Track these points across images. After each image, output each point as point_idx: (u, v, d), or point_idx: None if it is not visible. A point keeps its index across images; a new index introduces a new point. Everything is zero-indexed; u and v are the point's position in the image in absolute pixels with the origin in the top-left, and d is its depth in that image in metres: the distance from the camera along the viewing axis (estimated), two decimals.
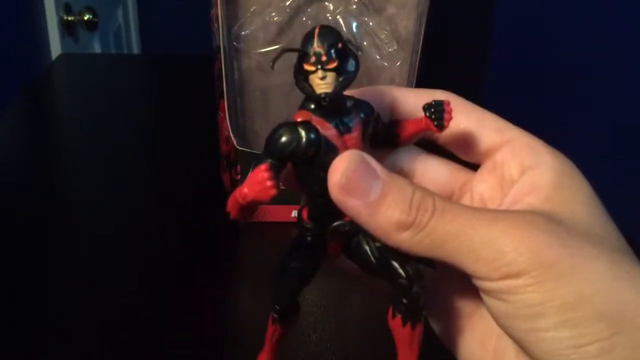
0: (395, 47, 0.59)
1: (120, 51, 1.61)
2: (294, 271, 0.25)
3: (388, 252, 0.24)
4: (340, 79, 0.22)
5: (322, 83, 0.22)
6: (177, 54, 1.37)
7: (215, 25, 0.57)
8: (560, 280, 0.21)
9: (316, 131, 0.23)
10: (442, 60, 1.07)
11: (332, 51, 0.22)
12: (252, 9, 0.57)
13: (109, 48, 1.50)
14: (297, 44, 0.23)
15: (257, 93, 0.60)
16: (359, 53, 0.23)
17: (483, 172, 0.27)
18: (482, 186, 0.27)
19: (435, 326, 0.29)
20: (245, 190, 0.22)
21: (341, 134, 0.23)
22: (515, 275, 0.21)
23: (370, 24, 0.58)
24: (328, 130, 0.23)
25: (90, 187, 0.68)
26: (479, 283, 0.22)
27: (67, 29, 1.16)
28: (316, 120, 0.23)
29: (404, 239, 0.22)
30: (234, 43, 0.58)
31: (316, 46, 0.22)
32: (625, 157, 0.92)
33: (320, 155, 0.23)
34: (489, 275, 0.22)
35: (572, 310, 0.20)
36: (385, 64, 0.60)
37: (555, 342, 0.21)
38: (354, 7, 0.58)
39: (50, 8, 1.07)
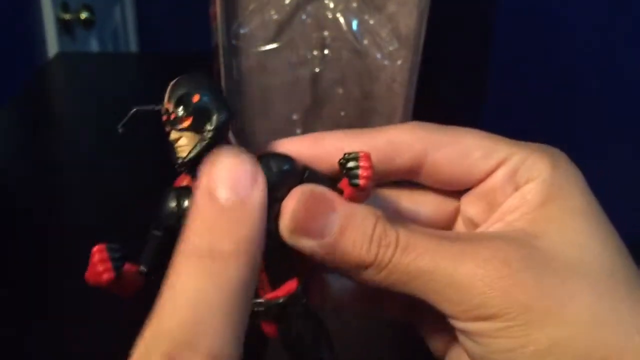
0: (396, 46, 0.58)
1: (117, 50, 1.60)
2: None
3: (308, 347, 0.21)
4: (200, 139, 0.18)
5: (177, 146, 0.19)
6: (175, 52, 1.37)
7: (214, 23, 0.56)
8: (534, 324, 0.19)
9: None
10: (443, 59, 1.06)
11: (183, 107, 0.18)
12: (251, 7, 0.56)
13: (107, 46, 1.49)
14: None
15: (256, 92, 0.60)
16: (234, 110, 0.19)
17: (470, 196, 0.24)
18: (472, 210, 0.24)
19: (429, 344, 0.27)
20: (86, 273, 0.20)
21: None
22: (485, 318, 0.19)
23: (371, 22, 0.58)
24: None
25: (88, 185, 0.68)
26: (449, 321, 0.21)
27: (65, 27, 1.15)
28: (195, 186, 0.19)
29: (366, 277, 0.21)
30: (233, 41, 0.57)
31: (166, 102, 0.18)
32: (627, 158, 0.92)
33: None
34: (457, 317, 0.20)
35: (546, 357, 0.19)
36: (386, 62, 0.59)
37: None
38: (355, 4, 0.57)
39: (48, 6, 1.07)
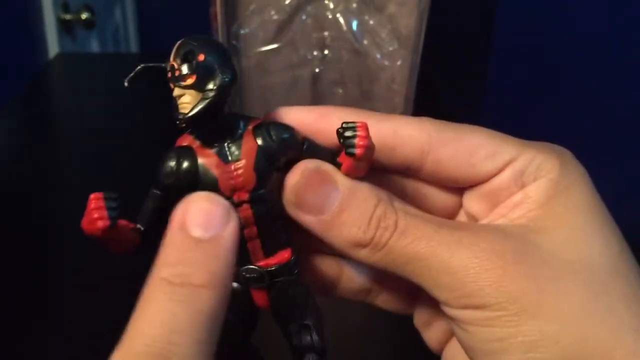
0: (396, 46, 0.58)
1: (118, 50, 1.60)
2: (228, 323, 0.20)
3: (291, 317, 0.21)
4: (202, 97, 0.19)
5: (179, 103, 0.19)
6: None
7: (214, 23, 0.56)
8: (524, 315, 0.19)
9: (193, 158, 0.20)
10: (443, 59, 1.07)
11: (188, 65, 0.19)
12: (251, 8, 0.56)
13: (107, 47, 1.49)
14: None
15: (256, 92, 0.60)
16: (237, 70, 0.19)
17: (473, 194, 0.24)
18: (474, 207, 0.24)
19: (425, 339, 0.27)
20: (82, 221, 0.20)
21: (225, 162, 0.20)
22: (476, 307, 0.19)
23: (371, 22, 0.58)
24: (208, 157, 0.20)
25: (88, 186, 0.68)
26: (442, 307, 0.21)
27: (65, 27, 1.15)
28: (197, 146, 0.20)
29: (362, 257, 0.21)
30: (233, 42, 0.57)
31: (172, 59, 0.19)
32: (629, 157, 0.92)
33: (200, 186, 0.20)
34: (449, 303, 0.20)
35: (534, 350, 0.19)
36: (386, 62, 0.59)
37: None
38: (355, 5, 0.57)
39: (48, 7, 1.07)
